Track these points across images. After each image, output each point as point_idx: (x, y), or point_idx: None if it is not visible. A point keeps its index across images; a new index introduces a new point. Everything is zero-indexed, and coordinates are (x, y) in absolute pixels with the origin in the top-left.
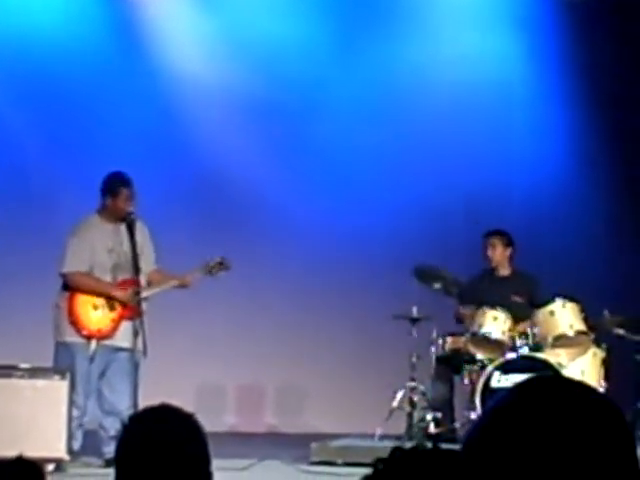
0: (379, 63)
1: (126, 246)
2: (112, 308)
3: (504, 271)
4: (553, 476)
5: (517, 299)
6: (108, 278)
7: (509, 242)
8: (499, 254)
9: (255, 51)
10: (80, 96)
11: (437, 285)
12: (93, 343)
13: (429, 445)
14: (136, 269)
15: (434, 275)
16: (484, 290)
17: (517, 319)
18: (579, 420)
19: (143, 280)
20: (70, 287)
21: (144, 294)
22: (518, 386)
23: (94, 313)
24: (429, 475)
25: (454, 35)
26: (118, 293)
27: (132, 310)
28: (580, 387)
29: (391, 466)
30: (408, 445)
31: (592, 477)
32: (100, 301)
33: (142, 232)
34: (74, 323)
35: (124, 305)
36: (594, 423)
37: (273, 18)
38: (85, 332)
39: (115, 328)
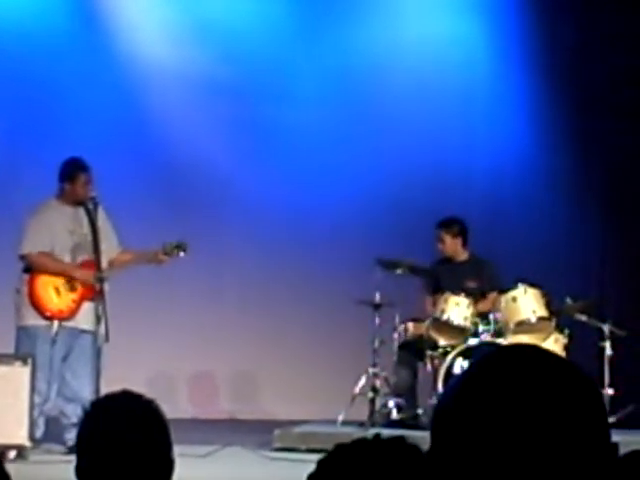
0: (342, 45)
1: (86, 228)
2: (73, 289)
3: (460, 257)
4: (525, 446)
5: (471, 284)
6: (68, 259)
7: (458, 231)
8: (449, 246)
9: (217, 34)
10: (42, 78)
11: (399, 271)
12: (55, 324)
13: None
14: (96, 250)
15: (396, 265)
16: (441, 276)
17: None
18: (554, 386)
19: (104, 262)
20: (30, 269)
21: (106, 274)
22: (489, 356)
23: (55, 294)
24: (372, 466)
25: (417, 17)
26: (79, 273)
27: (93, 290)
28: (555, 358)
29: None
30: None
31: (563, 442)
32: (61, 282)
33: (101, 216)
34: (35, 305)
35: (85, 285)
36: (567, 388)
37: (235, 1)
38: (47, 313)
39: (76, 309)
